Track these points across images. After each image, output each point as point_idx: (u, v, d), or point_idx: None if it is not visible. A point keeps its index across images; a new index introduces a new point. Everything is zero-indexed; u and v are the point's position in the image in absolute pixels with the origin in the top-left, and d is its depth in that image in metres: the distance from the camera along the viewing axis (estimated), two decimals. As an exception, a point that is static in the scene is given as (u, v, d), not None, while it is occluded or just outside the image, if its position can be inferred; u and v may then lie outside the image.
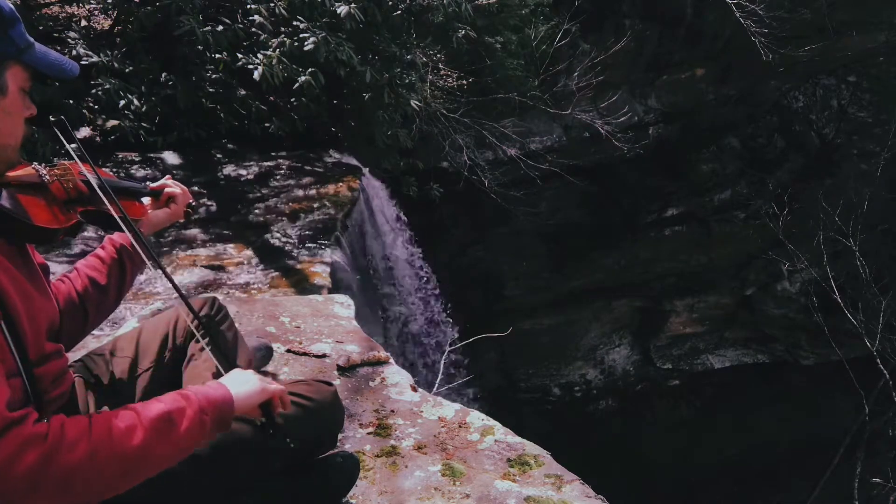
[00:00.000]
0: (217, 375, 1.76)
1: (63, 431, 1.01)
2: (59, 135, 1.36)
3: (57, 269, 3.47)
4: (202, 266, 4.14)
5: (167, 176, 1.79)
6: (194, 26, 4.96)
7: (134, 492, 1.33)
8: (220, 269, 4.15)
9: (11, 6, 1.15)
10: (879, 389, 9.13)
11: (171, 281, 1.49)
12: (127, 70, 5.46)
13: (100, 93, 5.26)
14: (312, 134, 6.47)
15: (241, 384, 1.31)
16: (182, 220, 1.77)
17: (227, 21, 5.33)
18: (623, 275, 11.82)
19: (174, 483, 1.36)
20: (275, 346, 2.51)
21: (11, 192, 1.24)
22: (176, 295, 1.49)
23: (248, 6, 5.52)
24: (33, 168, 1.34)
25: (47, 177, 1.34)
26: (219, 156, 5.95)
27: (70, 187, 1.38)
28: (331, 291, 3.88)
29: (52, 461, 0.98)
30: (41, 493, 0.97)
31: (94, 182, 1.41)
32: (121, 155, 5.61)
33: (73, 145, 1.40)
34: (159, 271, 1.47)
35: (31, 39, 1.20)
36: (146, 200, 1.71)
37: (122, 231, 1.48)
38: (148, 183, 1.74)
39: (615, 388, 12.53)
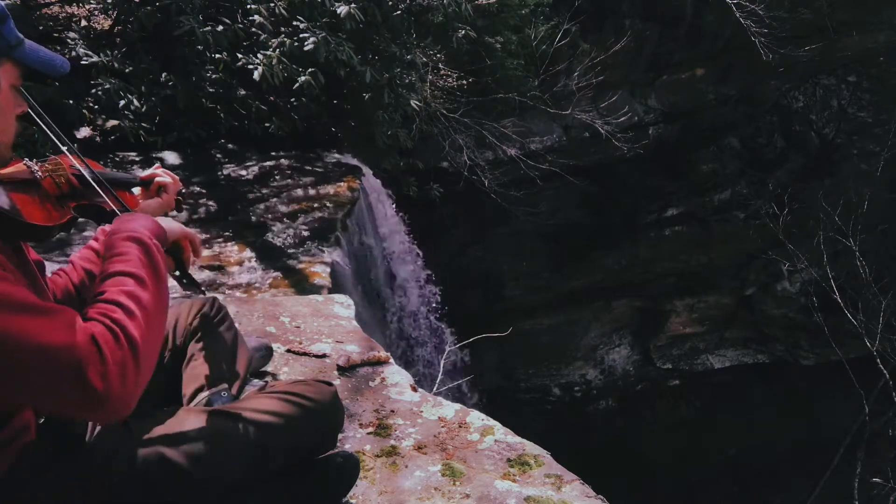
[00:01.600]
0: (212, 376, 1.76)
1: (115, 320, 1.09)
2: (47, 131, 1.35)
3: (57, 268, 3.46)
4: (202, 266, 4.14)
5: (156, 164, 1.78)
6: (194, 26, 4.96)
7: (134, 492, 1.33)
8: (220, 269, 4.15)
9: (2, 3, 1.15)
10: (879, 389, 9.14)
11: (101, 180, 1.48)
12: (127, 70, 5.46)
13: (100, 93, 5.26)
14: (312, 134, 6.47)
15: (155, 214, 1.44)
16: (174, 210, 1.76)
17: (227, 21, 5.33)
18: (623, 275, 11.82)
19: (174, 483, 1.37)
20: (275, 346, 2.51)
21: (5, 190, 1.23)
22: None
23: (248, 6, 5.52)
24: (24, 164, 1.33)
25: (39, 173, 1.33)
26: (219, 156, 5.95)
27: (62, 182, 1.37)
28: (331, 291, 3.88)
29: (130, 346, 1.07)
30: (142, 370, 1.09)
31: (87, 175, 1.40)
32: (121, 155, 5.61)
33: (65, 147, 1.39)
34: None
35: (22, 36, 1.19)
36: (136, 191, 1.69)
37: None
38: (137, 173, 1.73)
39: (615, 388, 12.52)
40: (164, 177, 1.71)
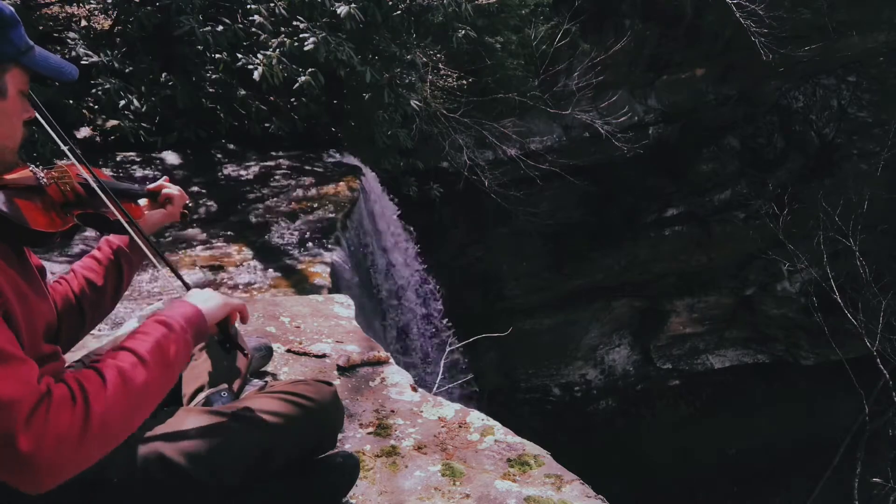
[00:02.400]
0: (212, 376, 1.77)
1: (83, 387, 1.05)
2: (54, 136, 1.35)
3: (56, 269, 3.47)
4: (202, 266, 4.14)
5: (164, 177, 1.79)
6: (194, 26, 4.96)
7: (133, 493, 1.33)
8: (220, 269, 4.15)
9: (12, 9, 1.15)
10: (879, 389, 9.14)
11: (180, 277, 1.49)
12: (127, 70, 5.46)
13: (100, 93, 5.26)
14: (312, 134, 6.47)
15: (206, 300, 1.37)
16: (178, 221, 1.77)
17: (227, 21, 5.33)
18: (623, 275, 11.83)
19: (173, 484, 1.36)
20: (275, 346, 2.50)
21: (8, 195, 1.23)
22: (169, 271, 1.50)
23: (248, 6, 5.52)
24: (30, 171, 1.33)
25: (44, 179, 1.33)
26: (219, 156, 5.95)
27: (67, 190, 1.37)
28: (331, 291, 3.88)
29: (86, 415, 1.03)
30: (88, 444, 1.03)
31: (93, 184, 1.40)
32: (121, 155, 5.61)
33: (68, 146, 1.39)
34: (167, 269, 1.48)
35: (31, 42, 1.19)
36: (142, 202, 1.70)
37: (119, 233, 1.47)
38: (145, 186, 1.73)
39: (615, 388, 12.53)
40: (171, 189, 1.72)
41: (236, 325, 1.54)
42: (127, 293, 1.73)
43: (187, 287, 1.48)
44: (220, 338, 1.44)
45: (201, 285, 3.89)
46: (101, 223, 1.46)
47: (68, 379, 1.06)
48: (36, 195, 1.30)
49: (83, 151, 1.43)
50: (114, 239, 1.65)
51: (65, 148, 1.36)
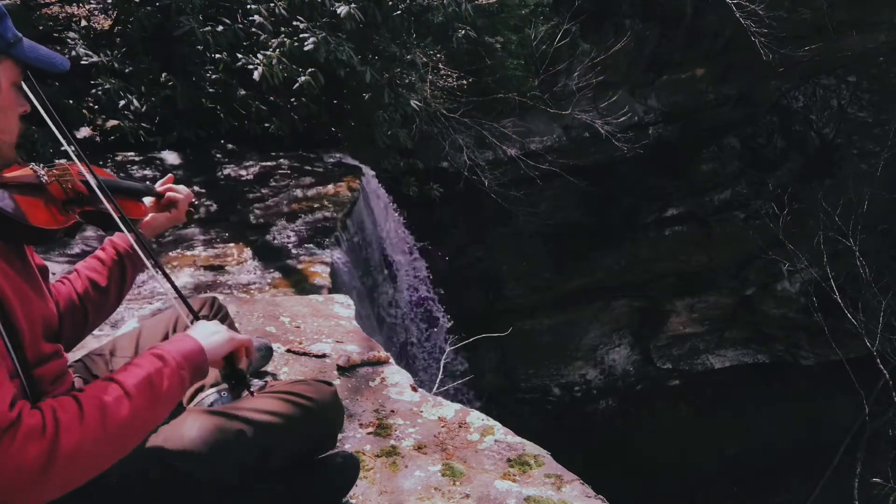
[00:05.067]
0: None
1: (56, 418, 1.02)
2: (56, 132, 1.34)
3: (57, 269, 3.47)
4: (202, 266, 4.14)
5: (169, 176, 1.79)
6: (194, 26, 4.96)
7: (133, 493, 1.33)
8: (220, 269, 4.15)
9: (0, 2, 1.15)
10: (879, 389, 9.13)
11: (171, 282, 1.49)
12: (127, 70, 5.46)
13: (100, 93, 5.26)
14: (312, 134, 6.47)
15: (210, 335, 1.34)
16: (184, 222, 1.77)
17: (227, 21, 5.33)
18: (623, 275, 11.82)
19: (174, 484, 1.37)
20: (275, 346, 2.51)
21: (9, 192, 1.22)
22: (175, 296, 1.48)
23: (248, 6, 5.52)
24: (31, 168, 1.33)
25: (45, 177, 1.33)
26: (218, 156, 5.95)
27: (69, 188, 1.37)
28: (331, 291, 3.88)
29: (53, 449, 1.00)
30: (49, 480, 1.00)
31: (93, 182, 1.40)
32: (121, 155, 5.61)
33: (71, 147, 1.39)
34: (159, 272, 1.47)
35: (20, 34, 1.19)
36: (148, 200, 1.70)
37: (122, 231, 1.47)
38: (149, 183, 1.73)
39: (615, 388, 12.52)
40: (176, 192, 1.71)
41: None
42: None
43: (195, 316, 1.46)
44: (227, 372, 1.41)
45: (202, 285, 3.89)
46: (103, 221, 1.45)
47: (44, 407, 1.03)
48: (37, 192, 1.30)
49: (83, 151, 1.43)
50: (118, 239, 1.65)
51: (62, 138, 1.35)
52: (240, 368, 1.42)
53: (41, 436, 0.99)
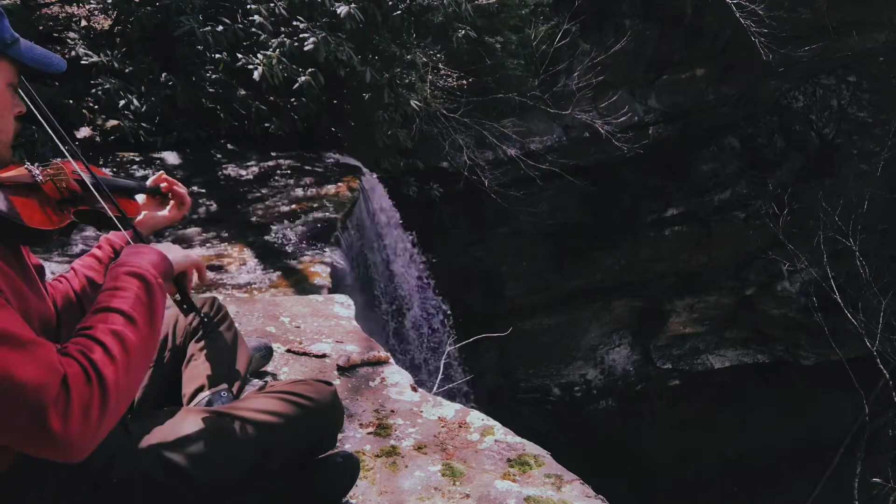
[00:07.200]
0: (212, 376, 1.76)
1: (91, 360, 1.06)
2: (51, 132, 1.34)
3: (57, 268, 3.47)
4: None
5: (160, 172, 1.77)
6: (194, 26, 4.96)
7: (133, 493, 1.33)
8: (220, 269, 4.15)
9: None
10: (879, 389, 9.14)
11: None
12: (127, 70, 5.46)
13: (100, 93, 5.26)
14: (312, 134, 6.46)
15: (168, 248, 1.40)
16: (179, 222, 1.77)
17: (227, 21, 5.33)
18: (623, 275, 11.82)
19: (174, 484, 1.36)
20: (275, 346, 2.51)
21: (4, 193, 1.22)
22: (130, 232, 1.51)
23: (248, 6, 5.52)
24: (26, 168, 1.32)
25: (40, 177, 1.32)
26: (218, 156, 5.95)
27: (63, 187, 1.36)
28: (331, 291, 3.88)
29: (101, 389, 1.05)
30: (107, 416, 1.06)
31: (88, 181, 1.39)
32: (121, 155, 5.61)
33: (65, 146, 1.38)
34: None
35: (16, 35, 1.19)
36: (140, 198, 1.69)
37: (118, 230, 1.47)
38: (143, 181, 1.72)
39: (615, 388, 12.52)
40: (179, 188, 1.70)
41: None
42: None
43: (181, 307, 1.52)
44: (179, 298, 1.47)
45: (202, 285, 3.89)
46: (98, 220, 1.45)
47: (73, 353, 1.07)
48: (32, 192, 1.29)
49: (83, 151, 1.43)
50: (114, 237, 1.64)
51: (53, 135, 1.35)
52: (188, 290, 1.47)
53: (88, 379, 1.04)
